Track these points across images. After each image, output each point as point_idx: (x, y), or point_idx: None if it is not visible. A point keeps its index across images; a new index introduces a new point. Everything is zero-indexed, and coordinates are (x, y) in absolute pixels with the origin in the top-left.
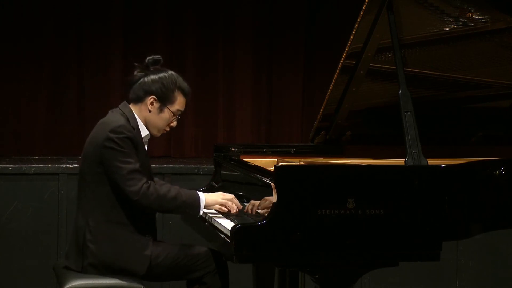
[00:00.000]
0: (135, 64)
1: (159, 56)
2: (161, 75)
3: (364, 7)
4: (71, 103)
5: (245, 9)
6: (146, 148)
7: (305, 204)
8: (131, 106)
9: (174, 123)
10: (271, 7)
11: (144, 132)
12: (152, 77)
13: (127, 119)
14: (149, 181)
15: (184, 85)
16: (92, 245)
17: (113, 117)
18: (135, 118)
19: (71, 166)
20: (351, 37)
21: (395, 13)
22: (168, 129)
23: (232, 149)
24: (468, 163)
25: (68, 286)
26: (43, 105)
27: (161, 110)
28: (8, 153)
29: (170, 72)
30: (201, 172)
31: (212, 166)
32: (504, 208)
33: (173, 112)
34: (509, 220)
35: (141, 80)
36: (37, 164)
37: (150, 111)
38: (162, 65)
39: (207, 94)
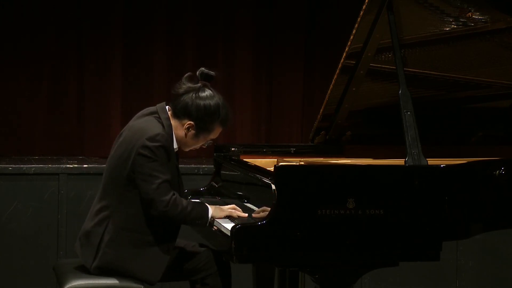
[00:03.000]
0: (190, 74)
1: (213, 73)
2: (207, 102)
3: (364, 7)
4: (71, 103)
5: (245, 9)
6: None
7: (305, 204)
8: (170, 114)
9: (205, 146)
10: (271, 7)
11: (175, 144)
12: (198, 101)
13: (163, 127)
14: (175, 193)
15: (228, 117)
16: (107, 249)
17: (151, 123)
18: (171, 128)
19: (71, 166)
20: (351, 37)
21: (395, 13)
22: (198, 147)
23: (232, 149)
24: (468, 163)
25: (68, 286)
26: (43, 105)
27: (195, 136)
28: (8, 153)
29: (217, 98)
30: (201, 172)
31: (212, 166)
32: (504, 208)
33: (206, 140)
34: (509, 220)
35: (186, 97)
36: (37, 164)
37: (185, 134)
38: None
39: None
